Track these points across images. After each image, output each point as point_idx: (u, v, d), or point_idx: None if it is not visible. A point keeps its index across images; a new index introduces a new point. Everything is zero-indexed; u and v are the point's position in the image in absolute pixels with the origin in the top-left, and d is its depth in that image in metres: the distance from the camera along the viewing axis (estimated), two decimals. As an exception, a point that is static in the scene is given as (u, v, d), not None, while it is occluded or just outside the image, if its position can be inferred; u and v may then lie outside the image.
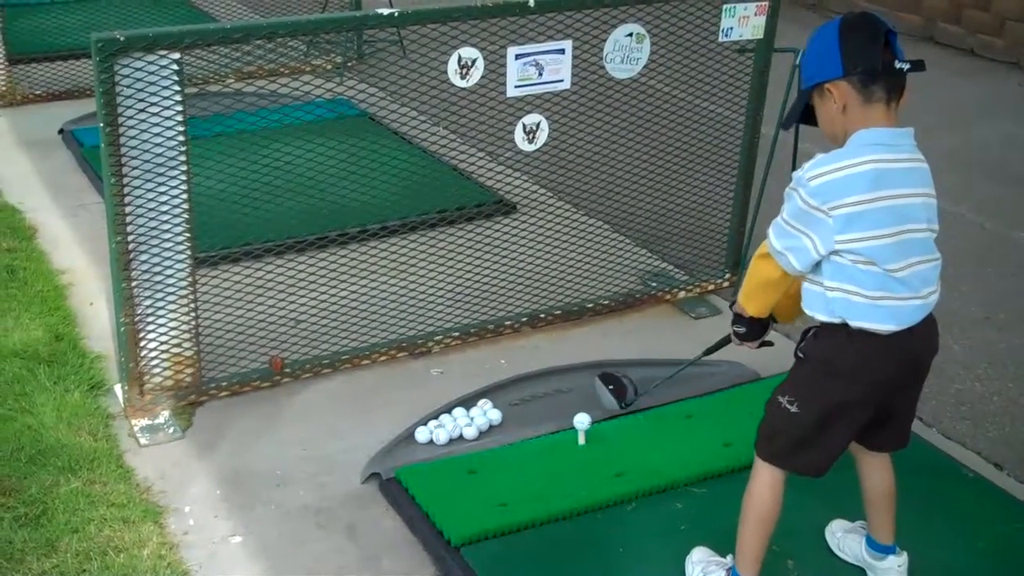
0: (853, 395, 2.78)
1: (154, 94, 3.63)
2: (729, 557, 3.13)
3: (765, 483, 2.93)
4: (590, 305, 4.70)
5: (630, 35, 4.34)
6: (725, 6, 4.46)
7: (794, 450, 2.87)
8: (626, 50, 4.37)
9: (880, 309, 2.70)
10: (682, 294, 4.86)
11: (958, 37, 8.83)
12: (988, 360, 4.51)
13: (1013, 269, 5.30)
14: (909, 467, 3.67)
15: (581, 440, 3.77)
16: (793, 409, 2.83)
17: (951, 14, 8.90)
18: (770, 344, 3.12)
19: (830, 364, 2.78)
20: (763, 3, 4.51)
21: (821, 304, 2.75)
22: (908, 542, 3.35)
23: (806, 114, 2.82)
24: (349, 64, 7.68)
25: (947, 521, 3.47)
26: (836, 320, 2.73)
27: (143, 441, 3.78)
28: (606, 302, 4.73)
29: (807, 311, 2.80)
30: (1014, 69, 8.35)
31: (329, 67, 7.64)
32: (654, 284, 4.92)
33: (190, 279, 3.89)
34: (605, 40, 4.32)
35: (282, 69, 7.37)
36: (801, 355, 2.84)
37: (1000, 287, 5.12)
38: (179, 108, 3.68)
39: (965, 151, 6.44)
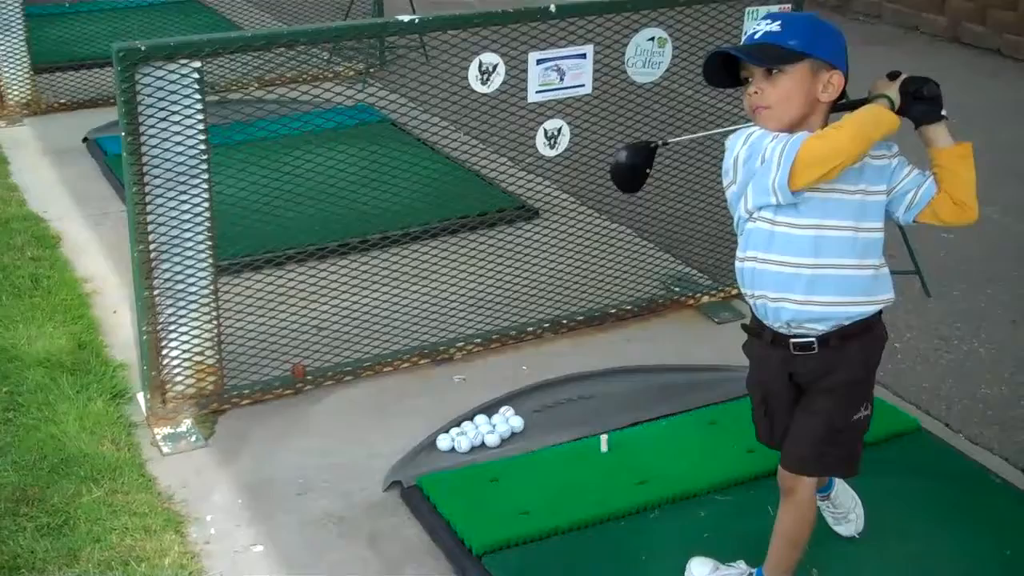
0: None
1: (175, 103, 3.64)
2: (740, 563, 3.11)
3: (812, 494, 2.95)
4: (613, 310, 4.68)
5: (652, 39, 4.33)
6: (748, 9, 4.44)
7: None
8: (648, 54, 4.35)
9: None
10: (706, 299, 4.83)
11: (984, 37, 8.76)
12: (1015, 364, 4.46)
13: (1041, 272, 5.25)
14: (935, 473, 3.66)
15: (604, 447, 3.75)
16: None
17: (976, 14, 8.83)
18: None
19: None
20: (786, 5, 4.48)
21: None
22: (934, 549, 3.33)
23: (723, 75, 2.78)
24: (371, 70, 7.69)
25: (974, 528, 3.42)
26: None
27: (165, 450, 3.78)
28: (629, 307, 4.71)
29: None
30: (1041, 69, 8.28)
31: (351, 73, 7.65)
32: (677, 289, 4.90)
33: (212, 287, 3.89)
34: (627, 44, 4.30)
35: (304, 76, 7.38)
36: None
37: (1027, 290, 5.07)
38: (200, 116, 3.69)
39: (992, 152, 6.36)
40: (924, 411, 4.10)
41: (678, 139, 3.42)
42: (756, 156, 2.67)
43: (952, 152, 2.74)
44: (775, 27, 2.69)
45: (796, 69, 2.66)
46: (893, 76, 2.76)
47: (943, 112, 2.75)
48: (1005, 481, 3.67)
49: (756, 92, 2.70)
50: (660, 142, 3.09)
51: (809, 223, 2.69)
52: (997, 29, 8.66)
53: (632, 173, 3.07)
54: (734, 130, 2.85)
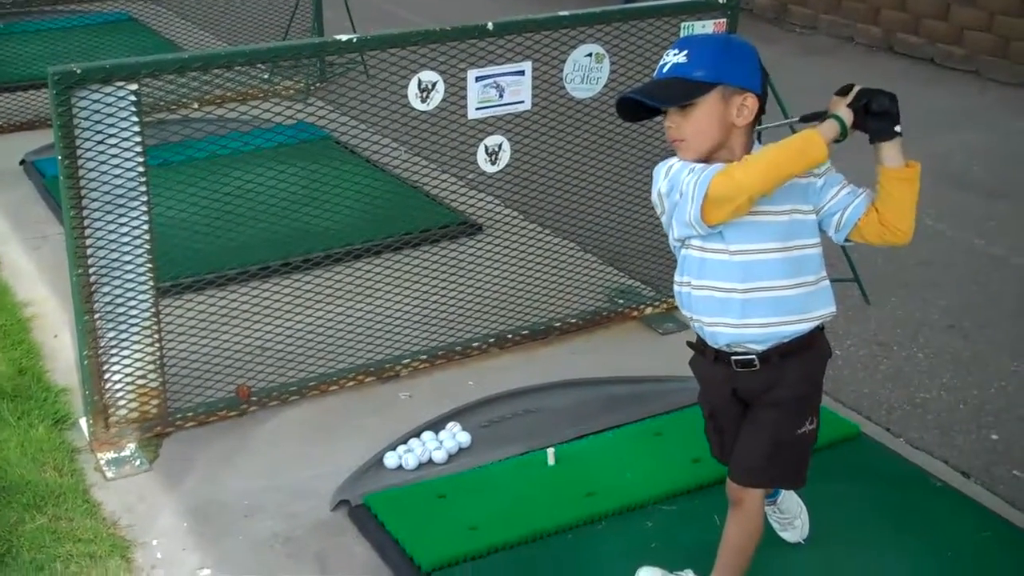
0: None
1: (112, 125, 3.61)
2: (688, 572, 3.14)
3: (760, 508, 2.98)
4: (557, 324, 4.70)
5: (589, 55, 4.36)
6: (683, 24, 4.49)
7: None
8: (586, 70, 4.39)
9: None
10: (649, 310, 4.87)
11: (917, 47, 8.91)
12: (953, 368, 4.54)
13: (976, 276, 5.35)
14: (877, 477, 3.72)
15: (551, 460, 3.77)
16: None
17: (910, 24, 8.98)
18: None
19: None
20: (721, 20, 4.54)
21: None
22: (877, 553, 3.38)
23: (641, 110, 2.75)
24: (312, 88, 7.68)
25: (915, 531, 3.48)
26: None
27: (109, 474, 3.75)
28: (573, 320, 4.74)
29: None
30: (974, 77, 8.43)
31: (292, 91, 7.64)
32: (621, 301, 4.93)
33: (154, 310, 3.87)
34: (565, 61, 4.33)
35: (245, 94, 7.35)
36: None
37: (964, 295, 5.16)
38: (138, 139, 3.67)
39: (927, 160, 6.38)
40: (865, 417, 4.16)
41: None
42: (676, 189, 2.69)
43: (894, 174, 2.71)
44: (682, 58, 2.69)
45: (706, 100, 2.67)
46: (844, 91, 2.72)
47: (897, 128, 2.68)
48: (945, 484, 3.73)
49: (671, 126, 2.72)
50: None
51: (737, 248, 2.71)
52: (930, 39, 8.81)
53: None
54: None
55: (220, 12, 8.69)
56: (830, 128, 2.66)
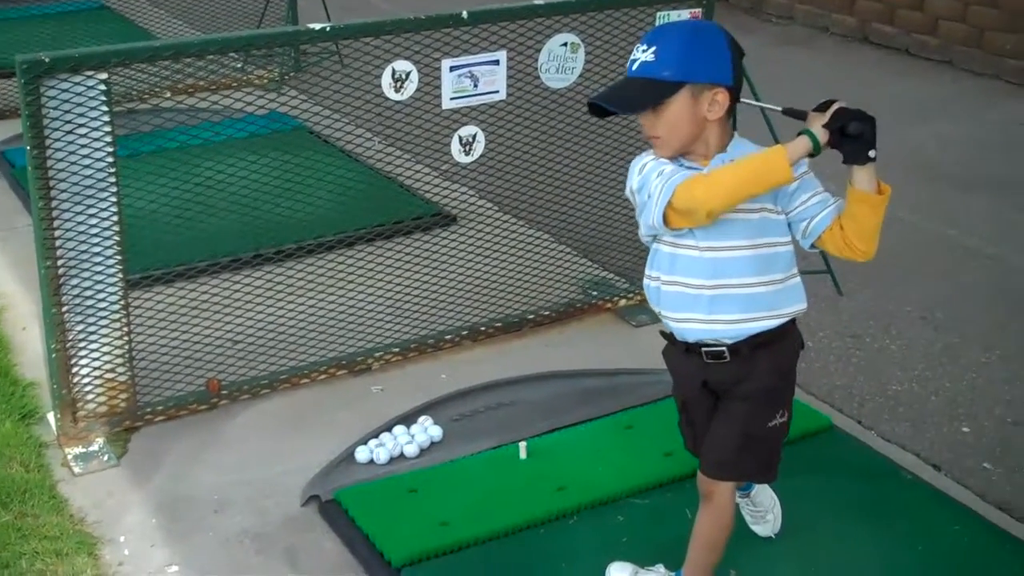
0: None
1: (82, 115, 3.57)
2: (659, 566, 3.13)
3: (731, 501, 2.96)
4: (531, 316, 4.68)
5: (564, 45, 4.34)
6: (659, 14, 4.48)
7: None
8: (561, 60, 4.37)
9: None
10: (623, 302, 4.86)
11: (892, 37, 8.91)
12: (925, 361, 4.55)
13: (949, 268, 5.36)
14: (848, 471, 3.72)
15: (523, 454, 3.75)
16: None
17: (885, 14, 8.98)
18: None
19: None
20: (696, 10, 4.52)
21: None
22: (848, 546, 3.38)
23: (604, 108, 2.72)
24: (286, 77, 7.62)
25: (887, 525, 3.48)
26: None
27: (77, 470, 3.71)
28: (547, 313, 4.72)
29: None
30: (947, 68, 8.44)
31: (265, 81, 7.58)
32: (595, 293, 4.92)
33: (123, 302, 3.83)
34: (540, 50, 4.31)
35: (218, 83, 7.29)
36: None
37: (936, 286, 5.17)
38: (107, 129, 3.63)
39: (900, 151, 6.50)
40: (837, 409, 4.16)
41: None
42: (645, 189, 2.69)
43: (864, 198, 2.66)
44: (650, 56, 2.66)
45: (676, 99, 2.65)
46: (824, 106, 2.66)
47: (871, 153, 2.61)
48: (916, 477, 3.74)
49: (645, 123, 2.72)
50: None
51: (707, 245, 2.71)
52: (905, 29, 8.82)
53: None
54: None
55: (193, 0, 8.62)
56: (801, 145, 2.61)
